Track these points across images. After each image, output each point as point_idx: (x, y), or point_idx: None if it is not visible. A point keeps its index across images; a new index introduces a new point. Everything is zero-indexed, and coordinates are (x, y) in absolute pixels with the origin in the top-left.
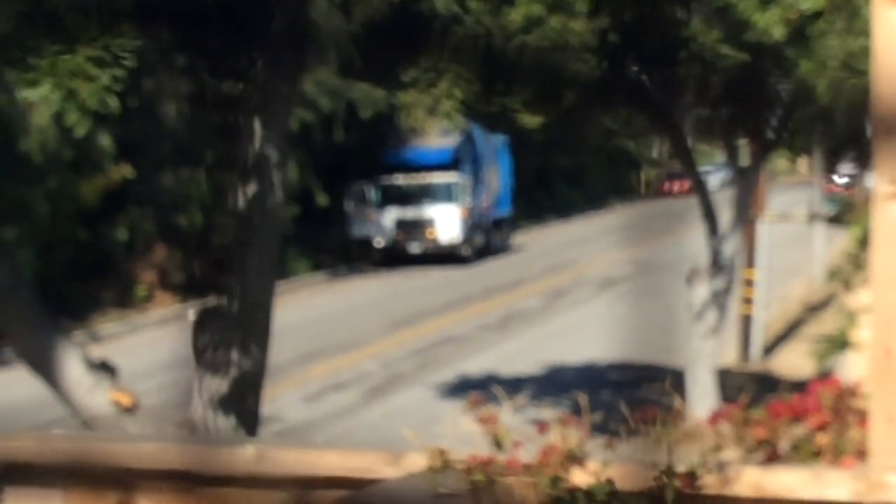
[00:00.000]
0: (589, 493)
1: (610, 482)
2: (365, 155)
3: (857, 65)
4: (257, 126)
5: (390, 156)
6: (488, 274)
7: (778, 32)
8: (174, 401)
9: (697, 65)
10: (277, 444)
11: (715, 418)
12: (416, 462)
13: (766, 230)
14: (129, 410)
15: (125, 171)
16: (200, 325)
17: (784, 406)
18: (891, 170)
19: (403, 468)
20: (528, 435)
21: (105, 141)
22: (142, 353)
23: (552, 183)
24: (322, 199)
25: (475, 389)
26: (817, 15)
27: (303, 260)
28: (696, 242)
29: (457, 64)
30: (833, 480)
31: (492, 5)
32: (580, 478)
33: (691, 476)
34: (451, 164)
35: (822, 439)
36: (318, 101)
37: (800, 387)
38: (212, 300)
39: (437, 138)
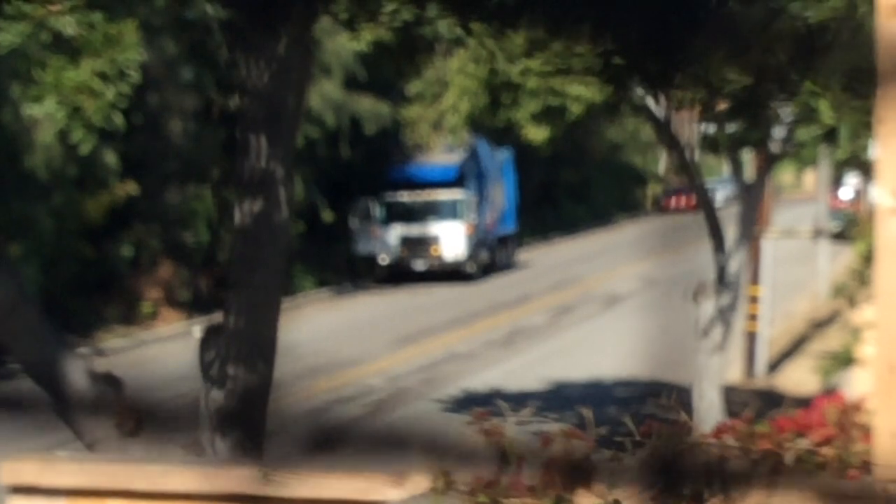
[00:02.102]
0: None
1: (616, 502)
2: (370, 171)
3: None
4: (262, 142)
5: (395, 172)
6: (493, 291)
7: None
8: (180, 420)
9: (701, 87)
10: (282, 465)
11: (719, 432)
12: (420, 483)
13: (771, 246)
14: (133, 432)
15: (130, 187)
16: (207, 343)
17: (789, 421)
18: (894, 183)
19: (407, 490)
20: (532, 450)
21: (110, 157)
22: (147, 369)
23: (557, 199)
24: (327, 216)
25: (480, 405)
26: (822, 28)
27: (308, 276)
28: (701, 258)
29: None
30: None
31: (495, 28)
32: (585, 499)
33: (696, 497)
34: (456, 180)
35: (827, 453)
36: (323, 117)
37: (805, 403)
38: (218, 317)
39: (442, 155)
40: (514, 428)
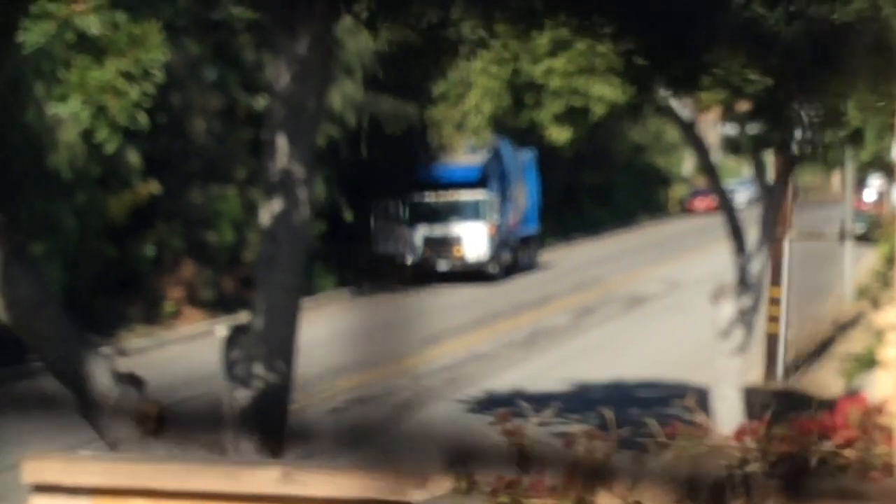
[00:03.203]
0: None
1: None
2: (391, 171)
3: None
4: (284, 141)
5: (418, 173)
6: (515, 291)
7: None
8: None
9: (724, 88)
10: (304, 465)
11: (740, 434)
12: (443, 484)
13: (793, 248)
14: (156, 431)
15: (153, 187)
16: (231, 342)
17: (812, 422)
18: None
19: (430, 490)
20: (554, 451)
21: (133, 157)
22: (169, 369)
23: (580, 200)
24: (348, 216)
25: (502, 406)
26: (847, 27)
27: (328, 276)
28: (723, 260)
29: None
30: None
31: (519, 29)
32: (606, 500)
33: (717, 496)
34: (479, 181)
35: (850, 455)
36: (344, 117)
37: (828, 405)
38: (241, 317)
39: (465, 155)
40: (536, 429)
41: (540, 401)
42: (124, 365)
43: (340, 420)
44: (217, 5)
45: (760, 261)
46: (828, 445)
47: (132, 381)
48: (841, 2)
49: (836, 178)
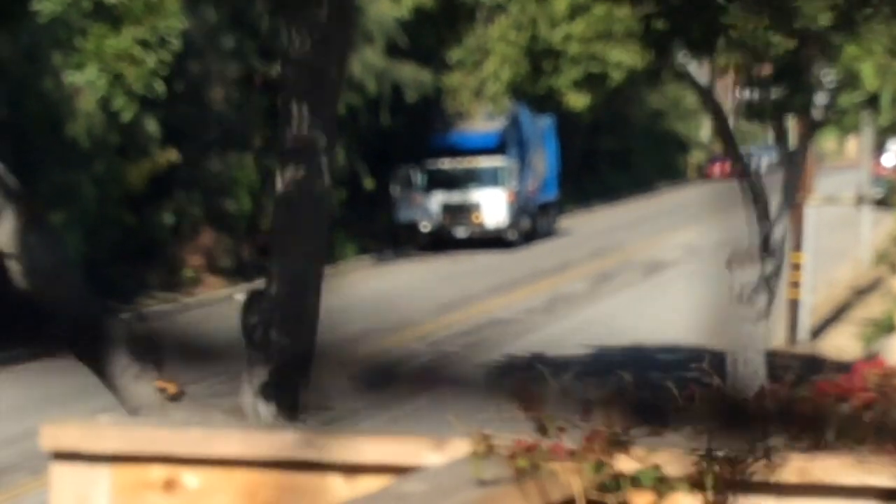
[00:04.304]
0: (634, 479)
1: (657, 467)
2: (411, 139)
3: None
4: (304, 110)
5: (437, 140)
6: (534, 258)
7: (824, 20)
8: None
9: (745, 52)
10: (322, 429)
11: (760, 397)
12: (460, 448)
13: (813, 213)
14: (176, 397)
15: (172, 155)
16: (249, 308)
17: (830, 384)
18: None
19: (447, 454)
20: (573, 421)
21: (151, 125)
22: (189, 332)
23: (598, 166)
24: (369, 183)
25: (521, 371)
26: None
27: (349, 244)
28: (741, 226)
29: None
30: (876, 467)
31: None
32: (625, 463)
33: (732, 462)
34: (498, 147)
35: (868, 417)
36: (364, 84)
37: (846, 368)
38: (260, 283)
39: (484, 122)
40: (556, 392)
41: (559, 365)
42: (144, 330)
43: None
44: None
45: (782, 226)
46: (845, 408)
47: (151, 345)
48: None
49: (854, 143)
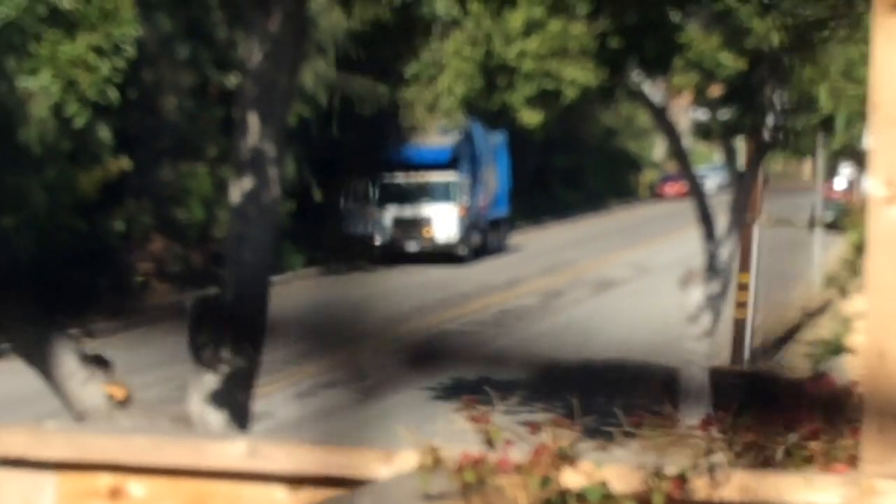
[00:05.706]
0: (580, 496)
1: (603, 484)
2: (362, 152)
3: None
4: (255, 120)
5: (390, 153)
6: (484, 273)
7: (776, 39)
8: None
9: (697, 72)
10: (269, 439)
11: (706, 424)
12: (409, 460)
13: (762, 235)
14: (123, 404)
15: (123, 162)
16: (197, 318)
17: (776, 414)
18: (886, 172)
19: (395, 466)
20: (520, 435)
21: (104, 132)
22: (137, 344)
23: (550, 183)
24: (318, 195)
25: (469, 388)
26: (820, 23)
27: (297, 255)
28: (692, 246)
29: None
30: (824, 485)
31: (493, 9)
32: (572, 479)
33: (681, 479)
34: (450, 163)
35: (815, 447)
36: (316, 96)
37: (794, 386)
38: (209, 291)
39: (436, 137)
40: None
41: (506, 387)
42: (92, 342)
43: (307, 400)
44: None
45: (729, 246)
46: (793, 437)
47: (99, 362)
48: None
49: (806, 165)
